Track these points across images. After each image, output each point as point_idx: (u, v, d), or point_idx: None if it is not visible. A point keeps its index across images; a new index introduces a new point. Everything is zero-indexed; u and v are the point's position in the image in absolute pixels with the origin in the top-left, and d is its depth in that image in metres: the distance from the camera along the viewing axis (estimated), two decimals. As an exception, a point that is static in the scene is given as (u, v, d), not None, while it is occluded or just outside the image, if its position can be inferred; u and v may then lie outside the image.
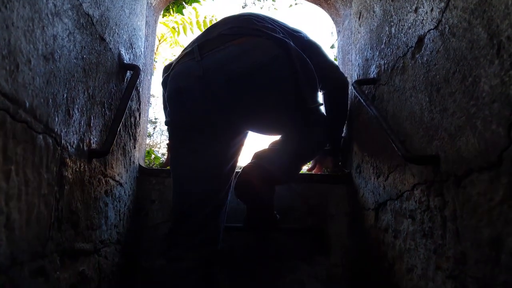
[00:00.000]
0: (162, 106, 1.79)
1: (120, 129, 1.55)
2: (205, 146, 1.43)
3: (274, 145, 1.64)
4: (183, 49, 1.64)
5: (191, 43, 1.59)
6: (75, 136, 1.08)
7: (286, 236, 1.86)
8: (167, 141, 2.19)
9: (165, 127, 1.86)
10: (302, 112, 1.50)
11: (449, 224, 1.01)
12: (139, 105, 1.87)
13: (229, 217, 1.88)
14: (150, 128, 3.36)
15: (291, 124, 1.55)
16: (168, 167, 2.05)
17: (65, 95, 1.02)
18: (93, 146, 1.23)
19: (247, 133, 1.62)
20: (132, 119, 1.75)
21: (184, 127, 1.46)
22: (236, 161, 1.57)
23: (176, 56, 1.82)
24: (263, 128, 1.60)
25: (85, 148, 1.16)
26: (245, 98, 1.41)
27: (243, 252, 1.85)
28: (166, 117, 1.66)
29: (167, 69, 1.59)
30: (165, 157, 2.29)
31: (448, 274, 1.01)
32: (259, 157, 1.56)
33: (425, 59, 1.19)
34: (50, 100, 0.93)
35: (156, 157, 2.26)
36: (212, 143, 1.44)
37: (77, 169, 1.11)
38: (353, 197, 1.88)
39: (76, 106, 1.09)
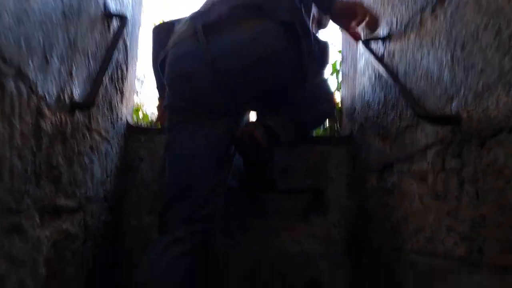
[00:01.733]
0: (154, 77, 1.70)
1: (106, 82, 1.42)
2: (210, 125, 1.37)
3: None
4: (178, 24, 1.52)
5: (189, 20, 1.45)
6: (54, 85, 0.96)
7: (284, 196, 1.80)
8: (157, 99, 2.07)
9: (154, 85, 1.77)
10: (309, 89, 1.47)
11: (467, 187, 0.94)
12: (127, 58, 1.73)
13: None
14: (137, 86, 3.20)
15: (298, 98, 1.50)
16: (158, 124, 1.94)
17: (41, 39, 0.88)
18: (76, 98, 1.10)
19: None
20: (119, 73, 1.62)
21: (188, 110, 1.38)
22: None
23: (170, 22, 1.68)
24: (270, 106, 1.54)
25: (67, 99, 1.04)
26: (254, 85, 1.37)
27: (239, 211, 1.78)
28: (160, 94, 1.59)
29: (162, 44, 1.48)
30: (155, 115, 2.16)
31: (462, 236, 0.94)
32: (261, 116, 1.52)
33: (448, 13, 1.06)
34: (23, 42, 0.80)
35: (145, 115, 2.13)
36: (218, 122, 1.38)
37: (57, 122, 0.99)
38: (354, 159, 1.81)
39: (55, 52, 0.96)
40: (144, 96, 3.16)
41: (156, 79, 1.69)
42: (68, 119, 1.06)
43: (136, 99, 2.97)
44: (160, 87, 1.66)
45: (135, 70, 2.00)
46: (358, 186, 1.73)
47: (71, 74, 1.07)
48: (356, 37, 1.54)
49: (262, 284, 1.74)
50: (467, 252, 0.93)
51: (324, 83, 1.67)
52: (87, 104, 1.11)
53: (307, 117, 1.59)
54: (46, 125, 0.92)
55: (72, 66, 1.07)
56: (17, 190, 0.80)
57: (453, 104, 1.01)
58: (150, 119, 2.11)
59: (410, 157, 1.24)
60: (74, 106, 1.08)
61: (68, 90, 1.05)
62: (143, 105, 2.83)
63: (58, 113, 0.99)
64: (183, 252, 1.17)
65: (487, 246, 0.85)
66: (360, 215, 1.71)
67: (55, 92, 0.96)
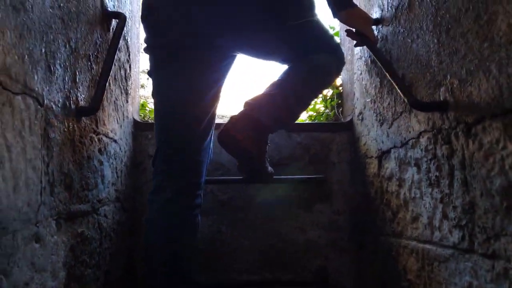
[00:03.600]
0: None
1: (109, 83, 1.47)
2: (183, 70, 1.32)
3: (269, 88, 1.40)
4: None
5: None
6: (59, 94, 1.01)
7: (287, 186, 1.85)
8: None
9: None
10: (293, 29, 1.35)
11: (457, 173, 0.97)
12: (129, 56, 1.77)
13: (228, 169, 1.86)
14: (143, 79, 3.23)
15: (282, 45, 1.39)
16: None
17: (43, 50, 0.93)
18: (81, 103, 1.16)
19: (232, 59, 1.45)
20: (122, 72, 1.66)
21: (159, 50, 1.34)
22: (219, 92, 1.43)
23: None
24: (250, 48, 1.42)
25: (72, 106, 1.10)
26: (224, 16, 1.29)
27: (243, 202, 1.84)
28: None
29: None
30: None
31: (455, 224, 0.98)
32: (249, 106, 1.35)
33: (434, -5, 1.08)
34: (26, 56, 0.85)
35: (151, 110, 2.18)
36: (191, 65, 1.32)
37: (65, 129, 1.05)
38: (355, 145, 1.84)
39: (58, 61, 1.01)
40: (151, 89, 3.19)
41: None
42: (75, 126, 1.12)
43: (143, 92, 3.01)
44: None
45: (139, 66, 2.04)
46: (360, 173, 1.77)
47: (74, 80, 1.12)
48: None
49: (270, 274, 1.81)
50: (459, 239, 0.97)
51: (317, 24, 1.42)
52: (92, 109, 1.16)
53: (303, 85, 1.38)
54: (55, 134, 0.98)
55: (75, 72, 1.12)
56: (34, 201, 0.86)
57: (441, 90, 1.04)
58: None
59: (405, 143, 1.27)
60: (80, 112, 1.14)
61: (73, 97, 1.10)
62: (149, 98, 2.87)
63: (65, 121, 1.05)
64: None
65: (476, 233, 0.90)
66: (363, 202, 1.75)
67: (60, 101, 1.02)
